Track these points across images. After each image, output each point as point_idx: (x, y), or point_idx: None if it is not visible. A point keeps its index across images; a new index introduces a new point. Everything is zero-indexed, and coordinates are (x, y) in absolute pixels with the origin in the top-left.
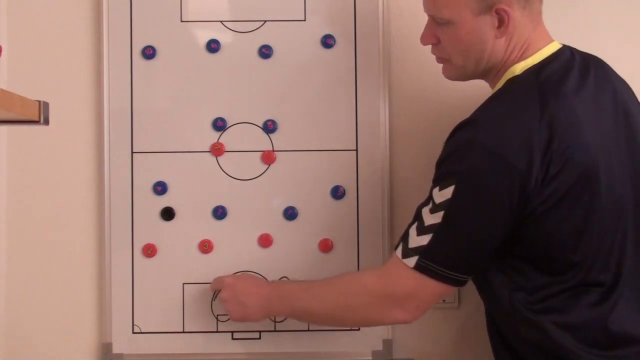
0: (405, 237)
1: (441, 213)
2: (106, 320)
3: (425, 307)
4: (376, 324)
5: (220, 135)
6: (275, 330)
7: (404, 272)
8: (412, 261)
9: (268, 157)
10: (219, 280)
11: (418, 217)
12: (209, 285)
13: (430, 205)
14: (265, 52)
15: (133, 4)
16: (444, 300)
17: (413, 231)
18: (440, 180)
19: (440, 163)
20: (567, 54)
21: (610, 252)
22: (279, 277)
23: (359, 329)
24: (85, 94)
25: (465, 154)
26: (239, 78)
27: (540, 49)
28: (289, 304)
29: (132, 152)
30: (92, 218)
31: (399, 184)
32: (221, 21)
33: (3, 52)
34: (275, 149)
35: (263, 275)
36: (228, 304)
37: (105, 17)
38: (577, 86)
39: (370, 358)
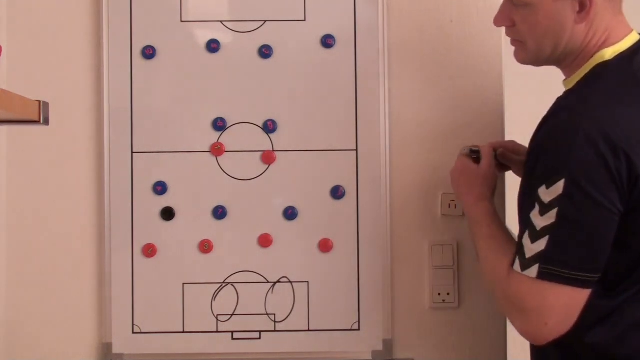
0: (519, 249)
1: (554, 212)
2: (106, 320)
3: (570, 314)
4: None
5: (220, 135)
6: (275, 330)
7: (528, 286)
8: (533, 271)
9: (268, 157)
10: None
11: (528, 223)
12: (210, 285)
13: (537, 207)
14: (265, 52)
15: (133, 4)
16: (443, 300)
17: (526, 240)
18: (544, 178)
19: (537, 160)
20: None
21: None
22: (279, 278)
23: (359, 329)
24: (85, 94)
25: (570, 143)
26: (239, 78)
27: (623, 37)
28: (473, 235)
29: (132, 152)
30: (92, 218)
31: (399, 184)
32: (221, 21)
33: (3, 52)
34: (275, 149)
35: (263, 275)
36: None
37: (105, 17)
38: None
39: (370, 358)
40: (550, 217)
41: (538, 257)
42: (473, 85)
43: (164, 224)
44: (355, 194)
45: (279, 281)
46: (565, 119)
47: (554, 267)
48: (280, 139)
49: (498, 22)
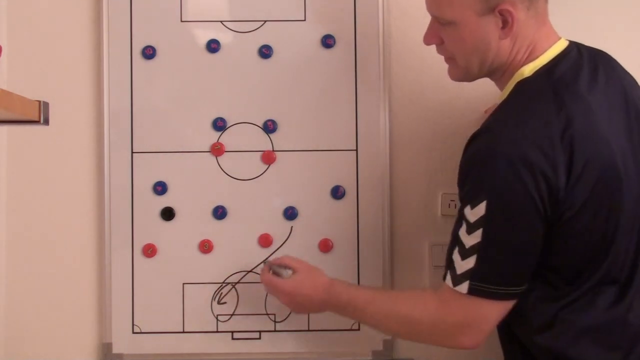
0: (450, 265)
1: (479, 231)
2: (106, 320)
3: (489, 329)
4: (445, 347)
5: (220, 135)
6: (275, 330)
7: (459, 301)
8: (464, 287)
9: (268, 157)
10: (274, 284)
11: (457, 241)
12: (210, 285)
13: (464, 226)
14: (265, 52)
15: (133, 4)
16: None
17: (456, 256)
18: (469, 199)
19: (464, 180)
20: (575, 51)
21: (627, 250)
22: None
23: (359, 329)
24: (85, 94)
25: (489, 166)
26: (239, 78)
27: (548, 48)
28: (350, 314)
29: (132, 152)
30: (92, 218)
31: (399, 184)
32: (221, 21)
33: (3, 52)
34: (275, 149)
35: None
36: (288, 305)
37: (105, 17)
38: (588, 84)
39: (370, 358)
40: (477, 237)
41: (468, 274)
42: (473, 85)
43: (164, 224)
44: (355, 194)
45: None
46: (485, 141)
47: (484, 284)
48: (280, 139)
49: (427, 40)
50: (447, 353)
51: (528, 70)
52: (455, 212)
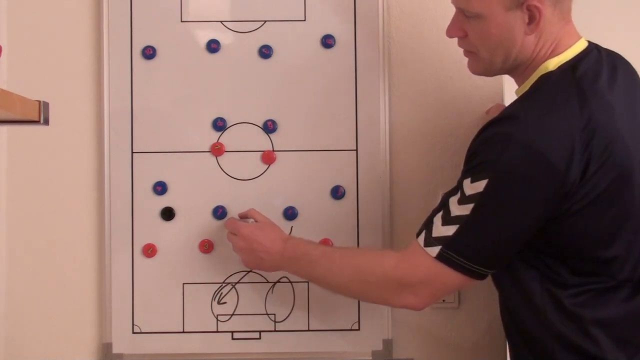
0: (428, 225)
1: (470, 205)
2: (106, 321)
3: (440, 296)
4: (387, 305)
5: (220, 135)
6: (275, 330)
7: (424, 261)
8: (434, 250)
9: (268, 157)
10: (235, 225)
11: (444, 205)
12: (210, 285)
13: (458, 195)
14: (265, 52)
15: (133, 4)
16: (443, 300)
17: (438, 220)
18: (472, 172)
19: (473, 155)
20: (595, 51)
21: None
22: (279, 277)
23: (359, 329)
24: (85, 94)
25: (502, 148)
26: (239, 78)
27: (570, 46)
28: (303, 268)
29: (132, 152)
30: (92, 218)
31: (399, 184)
32: (221, 21)
33: (3, 52)
34: (275, 149)
35: (263, 275)
36: (242, 253)
37: (105, 17)
38: (609, 84)
39: (370, 358)
40: (466, 209)
41: (442, 240)
42: (473, 85)
43: (164, 224)
44: (355, 194)
45: (279, 281)
46: (504, 126)
47: (454, 254)
48: (280, 139)
49: (450, 32)
50: (447, 353)
51: (552, 64)
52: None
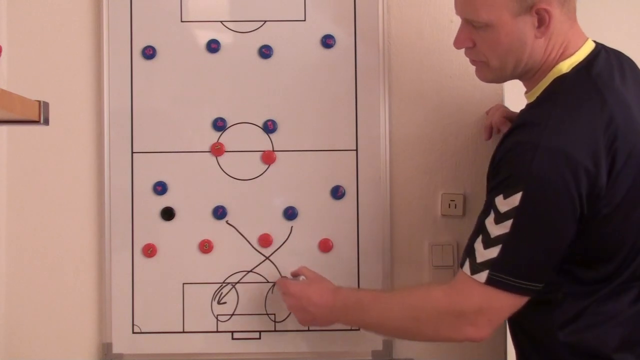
0: (470, 252)
1: (509, 222)
2: (106, 320)
3: (497, 322)
4: (448, 341)
5: (220, 135)
6: (275, 330)
7: (475, 289)
8: (482, 276)
9: (268, 157)
10: (284, 284)
11: (482, 229)
12: (210, 285)
13: (492, 215)
14: (265, 52)
15: (133, 4)
16: None
17: (479, 245)
18: (502, 188)
19: (497, 169)
20: (603, 51)
21: None
22: (278, 278)
23: (359, 329)
24: (85, 94)
25: (530, 157)
26: (239, 78)
27: (580, 46)
28: (356, 317)
29: (132, 152)
30: (92, 218)
31: (399, 184)
32: (221, 21)
33: (3, 52)
34: (275, 149)
35: (263, 275)
36: (294, 311)
37: (105, 17)
38: (621, 82)
39: (370, 358)
40: (505, 227)
41: (488, 264)
42: (473, 85)
43: (164, 224)
44: (355, 194)
45: None
46: (528, 134)
47: (504, 275)
48: (280, 139)
49: (458, 43)
50: (446, 353)
51: (566, 66)
52: (455, 212)
